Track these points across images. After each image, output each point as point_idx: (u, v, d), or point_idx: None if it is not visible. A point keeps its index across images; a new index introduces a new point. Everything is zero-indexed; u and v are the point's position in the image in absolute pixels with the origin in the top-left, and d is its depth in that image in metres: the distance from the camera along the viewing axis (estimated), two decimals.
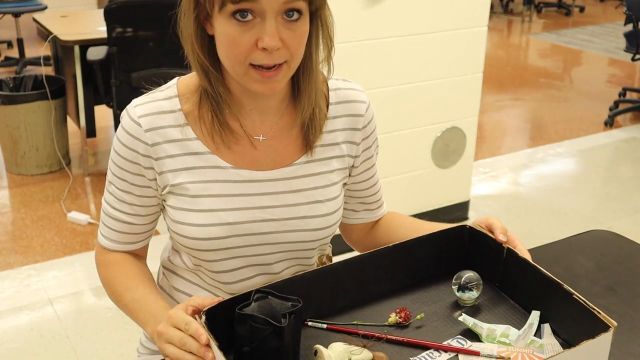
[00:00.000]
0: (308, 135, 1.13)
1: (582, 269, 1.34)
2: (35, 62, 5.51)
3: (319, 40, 1.07)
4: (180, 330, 0.92)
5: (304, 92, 1.10)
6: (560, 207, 3.50)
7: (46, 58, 4.60)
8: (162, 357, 1.16)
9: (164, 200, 1.13)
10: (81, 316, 2.54)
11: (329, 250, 1.31)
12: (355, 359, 0.97)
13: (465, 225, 1.19)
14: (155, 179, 1.11)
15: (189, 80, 1.12)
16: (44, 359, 2.32)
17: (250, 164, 1.11)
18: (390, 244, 1.15)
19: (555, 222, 3.33)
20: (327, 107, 1.16)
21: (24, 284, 2.75)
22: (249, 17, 0.96)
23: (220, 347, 0.91)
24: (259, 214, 1.11)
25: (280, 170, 1.12)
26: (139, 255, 1.22)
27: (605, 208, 3.51)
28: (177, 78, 1.14)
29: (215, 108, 1.08)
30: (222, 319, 0.98)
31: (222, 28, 0.99)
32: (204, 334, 0.90)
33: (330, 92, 1.16)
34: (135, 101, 1.11)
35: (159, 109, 1.09)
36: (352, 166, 1.21)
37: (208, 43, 1.04)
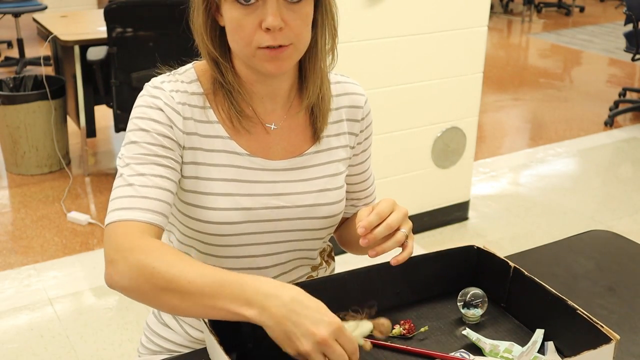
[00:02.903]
0: (315, 124, 1.16)
1: (582, 269, 1.34)
2: (35, 62, 5.51)
3: (324, 28, 1.10)
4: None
5: (309, 78, 1.14)
6: (560, 207, 3.49)
7: (46, 58, 4.60)
8: (163, 358, 1.16)
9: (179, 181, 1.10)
10: (81, 316, 2.54)
11: (329, 249, 1.32)
12: (355, 334, 0.92)
13: (472, 246, 1.20)
14: (182, 149, 1.08)
15: (205, 66, 1.14)
16: (44, 359, 2.32)
17: (264, 152, 1.14)
18: None
19: (555, 222, 3.33)
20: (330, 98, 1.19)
21: (24, 284, 2.74)
22: (252, 0, 1.00)
23: (221, 343, 0.92)
24: (273, 201, 1.13)
25: (291, 160, 1.15)
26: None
27: (605, 208, 3.51)
28: (193, 63, 1.15)
29: (230, 95, 1.11)
30: None
31: (228, 14, 1.03)
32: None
33: (331, 85, 1.20)
34: (158, 78, 1.11)
35: (185, 89, 1.11)
36: (348, 157, 1.24)
37: (219, 34, 1.08)
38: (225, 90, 1.11)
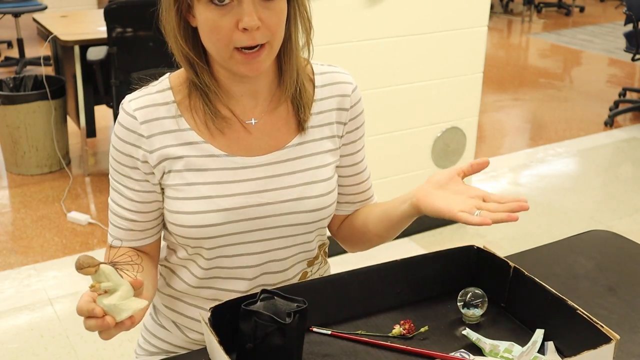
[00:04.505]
0: (299, 115, 1.15)
1: (582, 269, 1.34)
2: (35, 62, 5.51)
3: (297, 21, 1.10)
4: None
5: (286, 72, 1.13)
6: (560, 207, 3.49)
7: (46, 58, 4.60)
8: (162, 358, 1.17)
9: (163, 191, 1.14)
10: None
11: (327, 243, 1.31)
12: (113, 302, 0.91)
13: (472, 246, 1.20)
14: (153, 173, 1.12)
15: (180, 73, 1.15)
16: (44, 359, 2.32)
17: (244, 150, 1.13)
18: (398, 259, 1.16)
19: (555, 222, 3.33)
20: (313, 89, 1.18)
21: (24, 284, 2.75)
22: (227, 0, 1.00)
23: (221, 343, 0.92)
24: (255, 198, 1.12)
25: (273, 154, 1.14)
26: (148, 254, 1.20)
27: (605, 208, 3.51)
28: (168, 73, 1.16)
29: (205, 97, 1.11)
30: (227, 318, 0.99)
31: (203, 15, 1.02)
32: (97, 307, 0.91)
33: (315, 76, 1.19)
34: (129, 96, 1.14)
35: (153, 102, 1.12)
36: (338, 148, 1.22)
37: (192, 35, 1.08)
38: (200, 91, 1.11)
